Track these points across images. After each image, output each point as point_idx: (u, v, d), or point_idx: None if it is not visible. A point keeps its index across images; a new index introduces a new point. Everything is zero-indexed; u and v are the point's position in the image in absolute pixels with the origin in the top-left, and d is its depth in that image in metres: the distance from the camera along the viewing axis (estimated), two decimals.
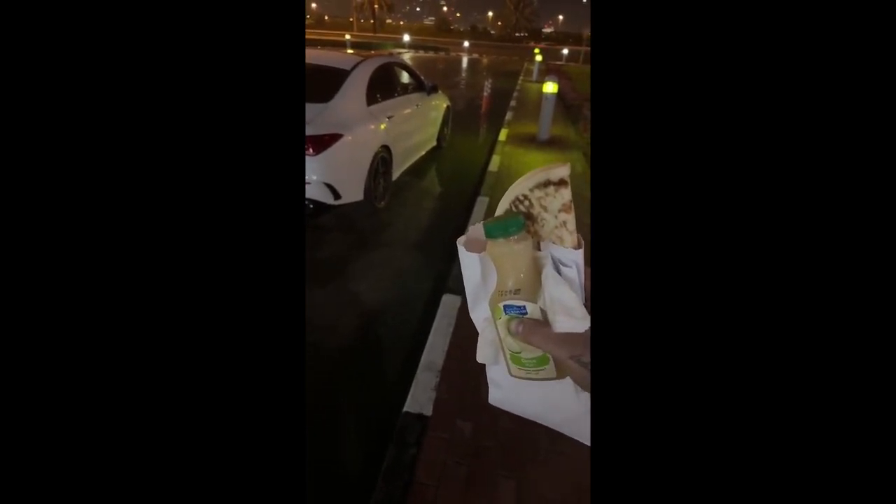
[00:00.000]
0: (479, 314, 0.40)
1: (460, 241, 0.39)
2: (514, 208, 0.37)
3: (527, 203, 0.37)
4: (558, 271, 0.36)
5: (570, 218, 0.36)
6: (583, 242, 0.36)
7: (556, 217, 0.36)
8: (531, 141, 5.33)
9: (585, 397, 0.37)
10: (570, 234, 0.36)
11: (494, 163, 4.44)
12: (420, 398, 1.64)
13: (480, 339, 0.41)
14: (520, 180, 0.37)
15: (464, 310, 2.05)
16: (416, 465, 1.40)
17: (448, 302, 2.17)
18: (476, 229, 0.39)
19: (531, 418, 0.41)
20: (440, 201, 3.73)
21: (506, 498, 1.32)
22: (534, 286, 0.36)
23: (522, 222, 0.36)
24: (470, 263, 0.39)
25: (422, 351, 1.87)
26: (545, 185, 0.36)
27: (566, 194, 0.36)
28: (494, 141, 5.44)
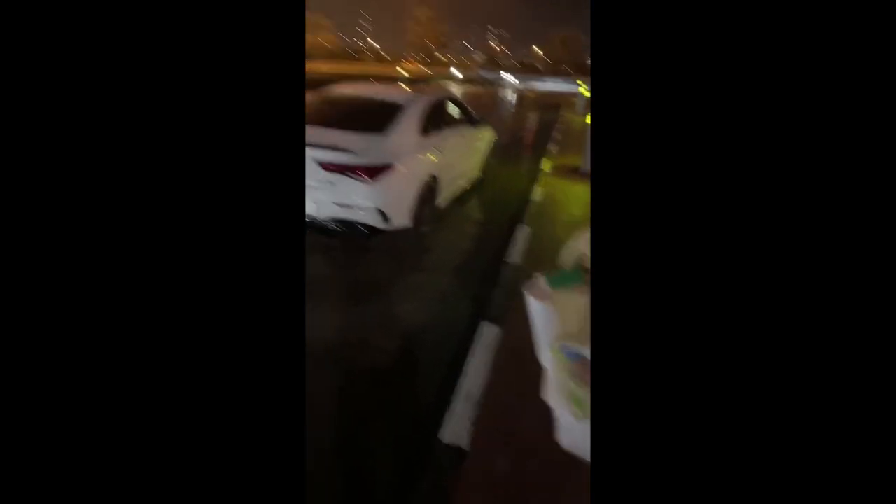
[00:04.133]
0: (545, 356, 0.45)
1: (526, 289, 0.45)
2: (581, 265, 0.42)
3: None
4: None
5: None
6: None
7: None
8: (574, 172, 5.28)
9: None
10: None
11: (537, 192, 4.43)
12: (457, 429, 1.60)
13: (548, 380, 0.45)
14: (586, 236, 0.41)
15: (505, 343, 2.00)
16: (450, 499, 1.35)
17: (488, 331, 2.14)
18: (539, 280, 0.44)
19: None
20: (482, 228, 3.74)
21: None
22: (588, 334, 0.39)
23: (582, 276, 0.41)
24: (536, 310, 0.44)
25: (458, 378, 1.84)
26: None
27: None
28: (537, 171, 5.44)
